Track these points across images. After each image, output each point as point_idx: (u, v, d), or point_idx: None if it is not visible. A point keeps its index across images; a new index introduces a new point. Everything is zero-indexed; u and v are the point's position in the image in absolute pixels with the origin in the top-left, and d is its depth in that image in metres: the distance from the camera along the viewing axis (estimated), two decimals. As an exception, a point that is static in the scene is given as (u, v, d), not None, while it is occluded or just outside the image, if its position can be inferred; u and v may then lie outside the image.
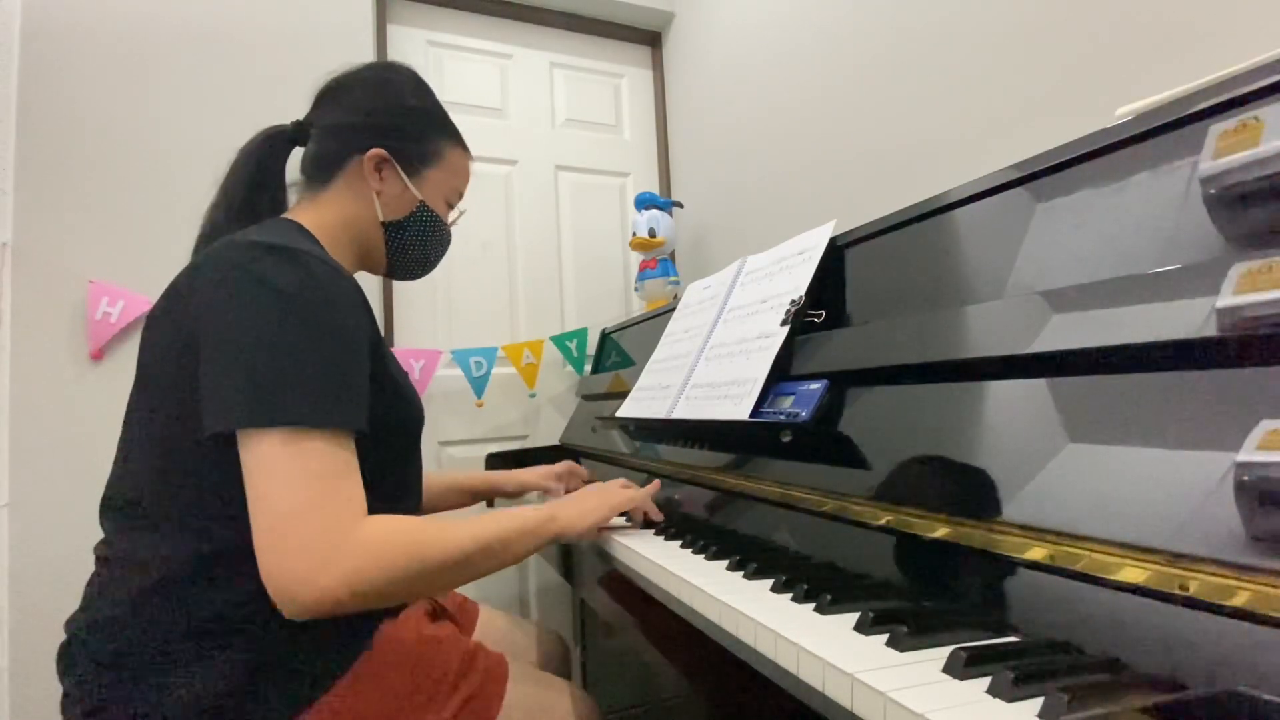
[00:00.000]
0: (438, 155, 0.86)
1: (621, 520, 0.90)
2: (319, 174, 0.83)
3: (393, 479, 0.75)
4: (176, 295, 0.67)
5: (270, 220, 0.78)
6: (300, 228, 0.76)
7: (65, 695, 0.64)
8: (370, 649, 0.70)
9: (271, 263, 0.63)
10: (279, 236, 0.68)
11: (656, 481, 0.92)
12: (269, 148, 0.83)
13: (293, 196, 0.86)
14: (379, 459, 0.69)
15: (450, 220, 0.92)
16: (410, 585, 0.62)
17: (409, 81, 0.87)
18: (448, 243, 0.93)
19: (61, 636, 0.66)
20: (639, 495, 0.87)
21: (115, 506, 0.68)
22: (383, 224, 0.84)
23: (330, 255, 0.75)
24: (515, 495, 1.20)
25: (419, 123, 0.85)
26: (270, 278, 0.62)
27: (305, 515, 0.57)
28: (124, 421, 0.70)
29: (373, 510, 0.63)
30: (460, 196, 0.92)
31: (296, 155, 0.86)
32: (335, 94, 0.84)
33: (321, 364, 0.61)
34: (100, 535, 0.69)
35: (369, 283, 1.67)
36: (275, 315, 0.61)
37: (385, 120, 0.83)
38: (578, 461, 1.52)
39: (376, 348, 0.71)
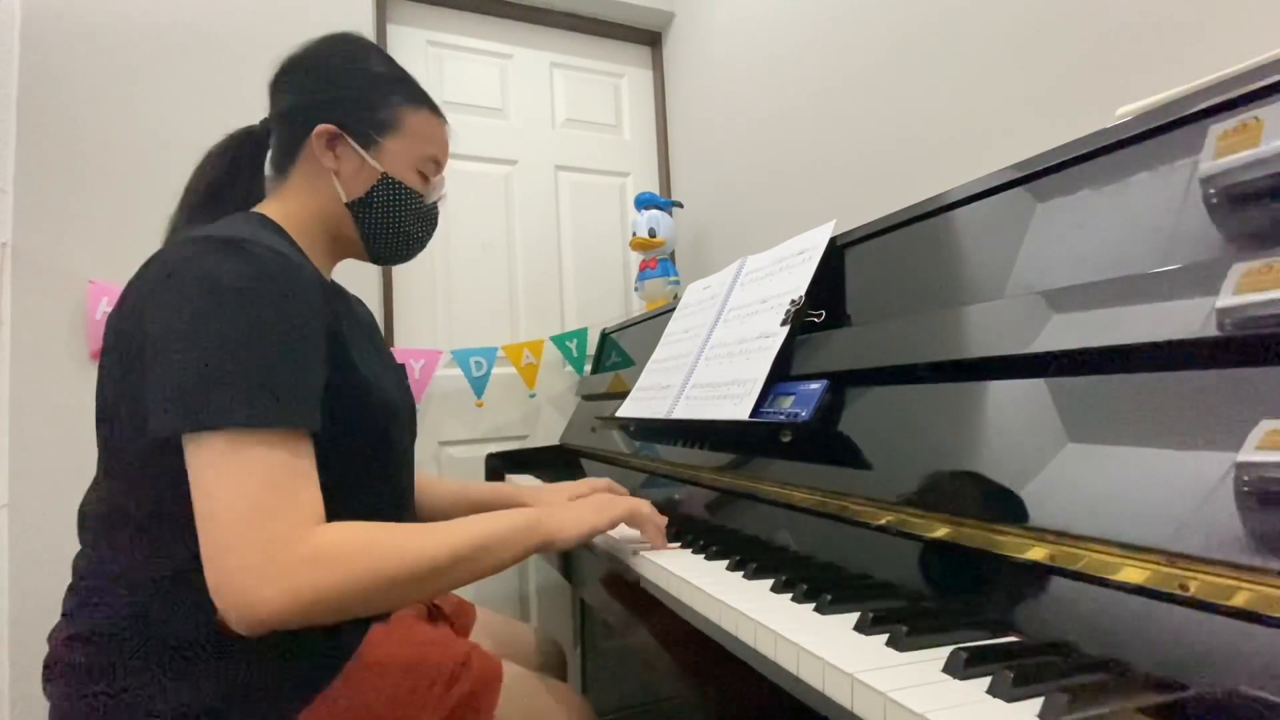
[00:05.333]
0: (395, 122, 0.79)
1: (627, 532, 0.82)
2: (279, 165, 0.79)
3: (368, 485, 0.72)
4: (126, 298, 0.65)
5: (231, 215, 0.73)
6: (263, 219, 0.73)
7: (51, 708, 0.63)
8: (361, 653, 0.69)
9: (215, 257, 0.60)
10: (231, 229, 0.65)
11: (662, 527, 0.77)
12: (235, 151, 0.80)
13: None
14: (346, 463, 0.67)
15: (432, 195, 0.85)
16: (370, 597, 0.58)
17: (352, 48, 0.81)
18: (430, 218, 0.86)
19: None
20: (640, 511, 0.76)
21: (87, 517, 0.66)
22: (347, 204, 0.79)
23: (294, 246, 0.73)
24: None
25: (367, 89, 0.79)
26: (211, 272, 0.59)
27: (248, 524, 0.54)
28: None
29: (348, 519, 0.60)
30: (437, 165, 0.84)
31: None
32: (280, 80, 0.80)
33: (266, 361, 0.58)
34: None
35: (369, 283, 1.67)
36: (215, 311, 0.58)
37: (329, 94, 0.77)
38: (578, 462, 1.52)
39: (338, 343, 0.68)
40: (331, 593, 0.55)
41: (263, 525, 0.54)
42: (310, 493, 0.58)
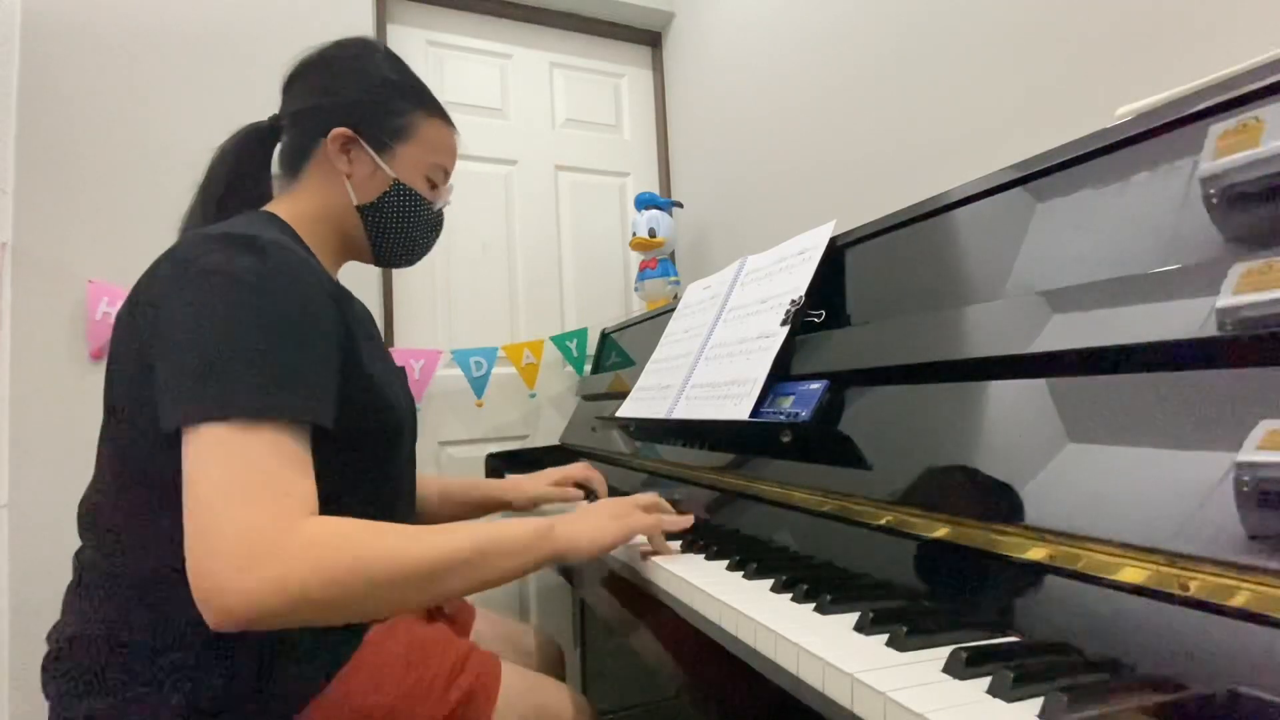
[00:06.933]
0: (410, 129, 0.81)
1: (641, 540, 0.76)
2: (291, 165, 0.80)
3: (370, 486, 0.72)
4: (135, 295, 0.65)
5: (242, 214, 0.74)
6: (272, 217, 0.74)
7: (51, 708, 0.63)
8: (359, 653, 0.69)
9: (226, 252, 0.60)
10: (242, 227, 0.65)
11: (689, 518, 0.76)
12: (245, 146, 0.80)
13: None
14: (350, 463, 0.66)
15: (439, 202, 0.87)
16: (356, 597, 0.53)
17: (370, 53, 0.82)
18: (437, 225, 0.88)
19: None
20: (664, 522, 0.73)
21: (87, 515, 0.66)
22: (358, 208, 0.80)
23: (303, 246, 0.73)
24: (525, 509, 1.08)
25: (384, 96, 0.80)
26: (223, 267, 0.59)
27: (230, 511, 0.51)
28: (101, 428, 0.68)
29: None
30: (445, 174, 0.86)
31: None
32: (297, 79, 0.81)
33: (271, 352, 0.57)
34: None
35: (369, 283, 1.67)
36: (225, 304, 0.57)
37: (347, 97, 0.78)
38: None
39: (349, 342, 0.68)
40: (314, 588, 0.50)
41: (245, 512, 0.51)
42: (304, 484, 0.55)
